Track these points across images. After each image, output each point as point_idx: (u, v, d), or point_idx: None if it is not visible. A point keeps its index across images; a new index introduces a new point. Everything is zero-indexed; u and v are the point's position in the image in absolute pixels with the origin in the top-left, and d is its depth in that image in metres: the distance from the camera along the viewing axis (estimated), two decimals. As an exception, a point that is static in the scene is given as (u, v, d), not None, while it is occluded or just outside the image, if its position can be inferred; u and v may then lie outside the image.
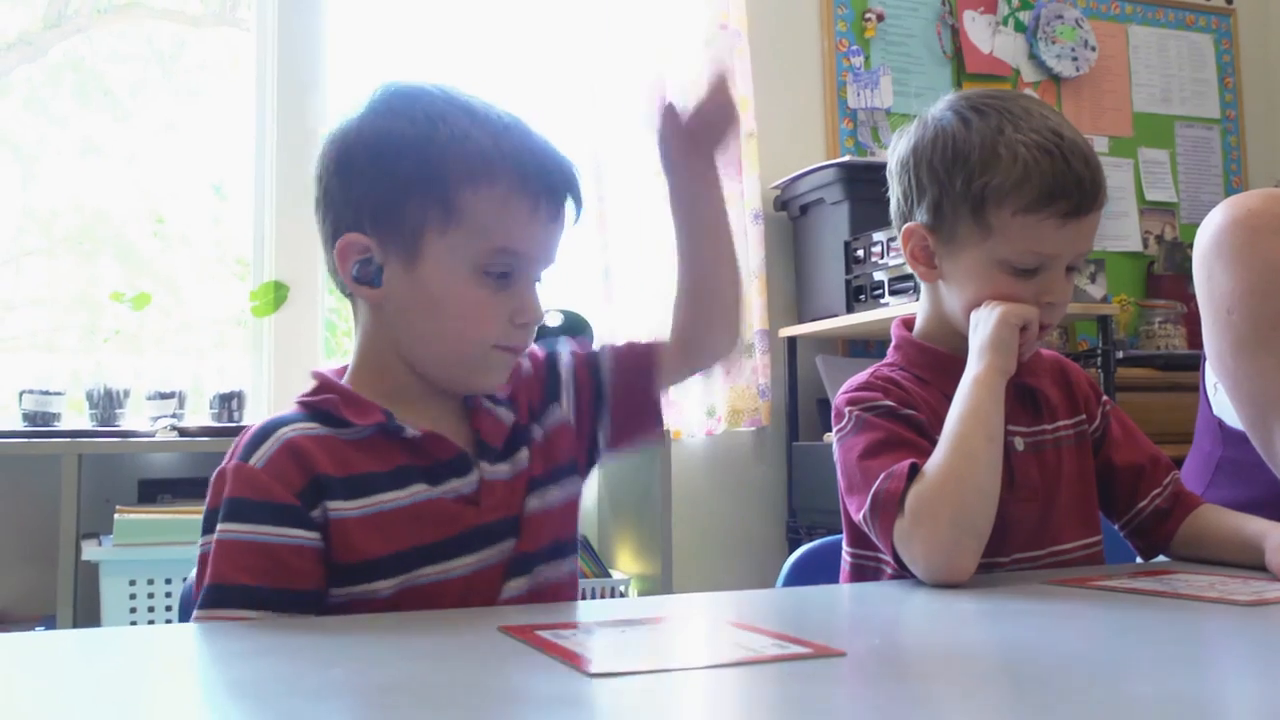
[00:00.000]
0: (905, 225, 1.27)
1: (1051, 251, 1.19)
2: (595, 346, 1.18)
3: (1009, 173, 1.16)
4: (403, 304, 1.02)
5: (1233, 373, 1.38)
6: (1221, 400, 1.45)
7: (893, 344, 1.32)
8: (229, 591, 0.93)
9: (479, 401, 1.07)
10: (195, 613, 0.94)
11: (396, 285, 1.01)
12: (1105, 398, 1.36)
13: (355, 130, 1.02)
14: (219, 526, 0.95)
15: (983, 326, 1.19)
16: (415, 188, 0.99)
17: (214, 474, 0.99)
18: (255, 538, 0.94)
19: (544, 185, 1.01)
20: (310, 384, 1.04)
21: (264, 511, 0.94)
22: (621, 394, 1.15)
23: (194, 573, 0.98)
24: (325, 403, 1.00)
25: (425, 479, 1.00)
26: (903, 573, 1.13)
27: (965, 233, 1.21)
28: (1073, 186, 1.16)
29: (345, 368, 1.07)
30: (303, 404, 1.02)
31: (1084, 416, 1.31)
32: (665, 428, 1.21)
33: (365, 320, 1.05)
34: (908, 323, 1.33)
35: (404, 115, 1.01)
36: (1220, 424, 1.47)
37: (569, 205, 1.05)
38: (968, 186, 1.18)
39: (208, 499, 0.98)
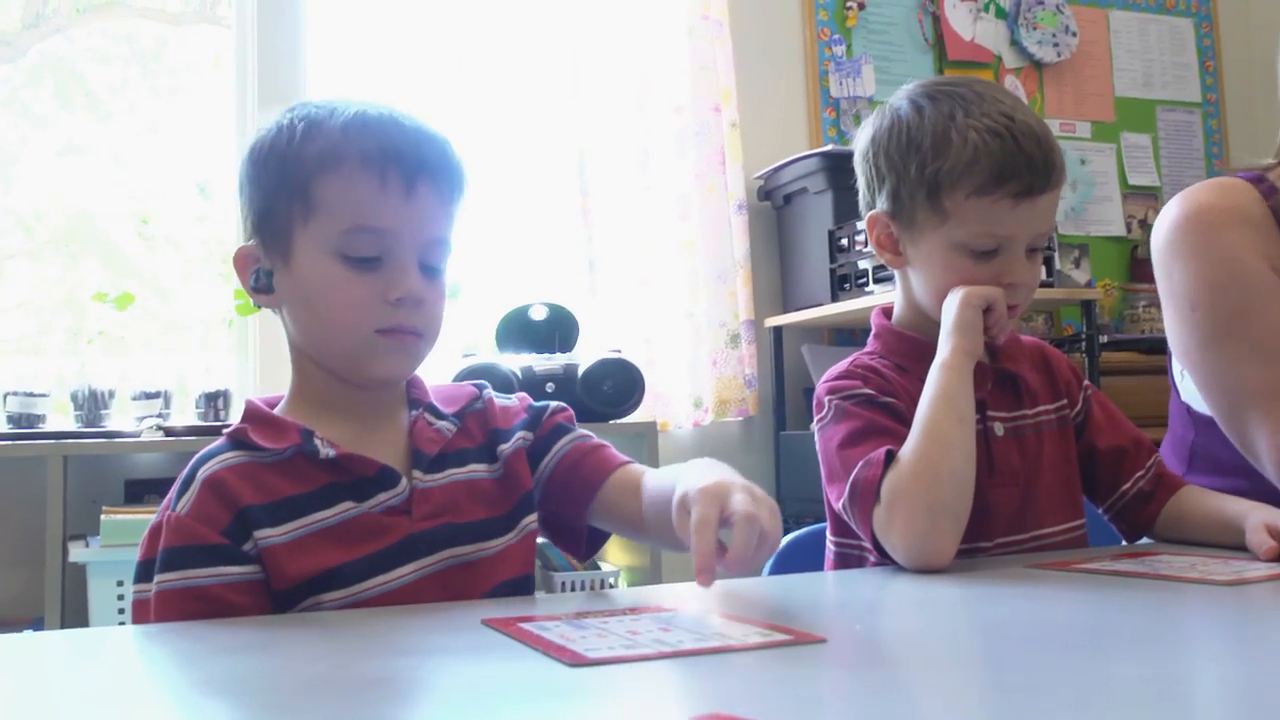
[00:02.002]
0: (869, 213, 1.29)
1: (1007, 233, 1.20)
2: (565, 425, 1.14)
3: (960, 156, 1.18)
4: (288, 302, 1.04)
5: (1202, 367, 1.39)
6: (1188, 386, 1.46)
7: (872, 332, 1.33)
8: None
9: (420, 414, 1.07)
10: None
11: (281, 286, 1.03)
12: (1086, 382, 1.37)
13: (247, 147, 1.06)
14: (156, 578, 0.96)
15: (947, 311, 1.20)
16: (280, 189, 1.02)
17: (150, 524, 0.99)
18: (189, 583, 0.94)
19: (389, 160, 0.99)
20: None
21: (194, 556, 0.95)
22: (559, 492, 1.12)
23: (130, 618, 0.99)
24: (239, 432, 1.02)
25: (351, 496, 1.00)
26: (884, 560, 1.14)
27: (923, 218, 1.22)
28: (1023, 167, 1.17)
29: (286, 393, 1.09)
30: (227, 434, 1.03)
31: (1065, 401, 1.32)
32: (595, 554, 1.18)
33: (286, 332, 1.07)
34: (887, 311, 1.34)
35: (276, 127, 1.04)
36: (1188, 410, 1.48)
37: (438, 180, 1.02)
38: (922, 172, 1.20)
39: (143, 547, 0.99)
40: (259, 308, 1.08)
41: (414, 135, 1.03)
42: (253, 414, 1.04)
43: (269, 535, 0.96)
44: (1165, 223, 1.43)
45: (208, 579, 0.94)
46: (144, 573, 0.97)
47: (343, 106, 1.03)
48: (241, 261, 1.05)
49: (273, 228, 1.02)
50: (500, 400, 1.15)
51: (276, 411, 1.05)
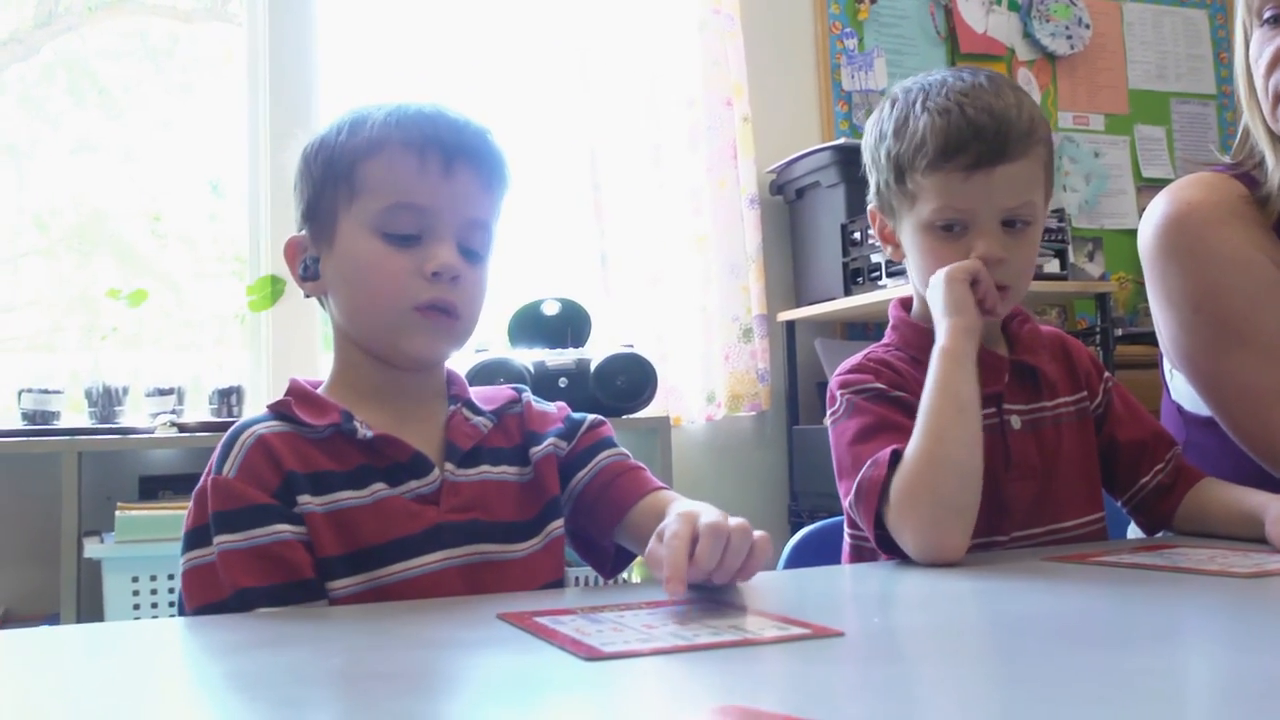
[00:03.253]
0: (868, 209, 1.33)
1: (965, 205, 1.20)
2: (603, 441, 1.15)
3: (913, 137, 1.21)
4: (332, 285, 1.07)
5: (1209, 373, 1.35)
6: (1178, 386, 1.43)
7: (890, 324, 1.32)
8: (252, 595, 0.95)
9: (458, 408, 1.09)
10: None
11: (326, 270, 1.07)
12: (1108, 374, 1.35)
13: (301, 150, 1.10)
14: (215, 539, 0.96)
15: (934, 294, 1.20)
16: (326, 178, 1.05)
17: (195, 491, 1.00)
18: (251, 543, 0.96)
19: (429, 140, 1.03)
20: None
21: (250, 516, 0.97)
22: (589, 509, 1.13)
23: (180, 584, 1.00)
24: (283, 404, 1.04)
25: (384, 479, 1.02)
26: (893, 558, 1.14)
27: (898, 204, 1.26)
28: (969, 138, 1.17)
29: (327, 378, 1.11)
30: (270, 406, 1.05)
31: (1085, 393, 1.31)
32: (620, 573, 1.19)
33: (331, 319, 1.10)
34: (905, 303, 1.34)
35: (330, 124, 1.08)
36: (1179, 409, 1.45)
37: (476, 163, 1.06)
38: (888, 159, 1.24)
39: (188, 519, 1.00)
40: (308, 295, 1.10)
41: (455, 122, 1.06)
42: (296, 390, 1.06)
43: (309, 503, 0.98)
44: (1153, 222, 1.39)
45: (266, 538, 0.96)
46: (196, 540, 0.98)
47: (390, 103, 1.07)
48: (291, 251, 1.09)
49: (319, 214, 1.06)
50: (538, 405, 1.16)
51: (318, 391, 1.07)
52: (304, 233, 1.09)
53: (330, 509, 0.99)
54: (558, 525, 1.10)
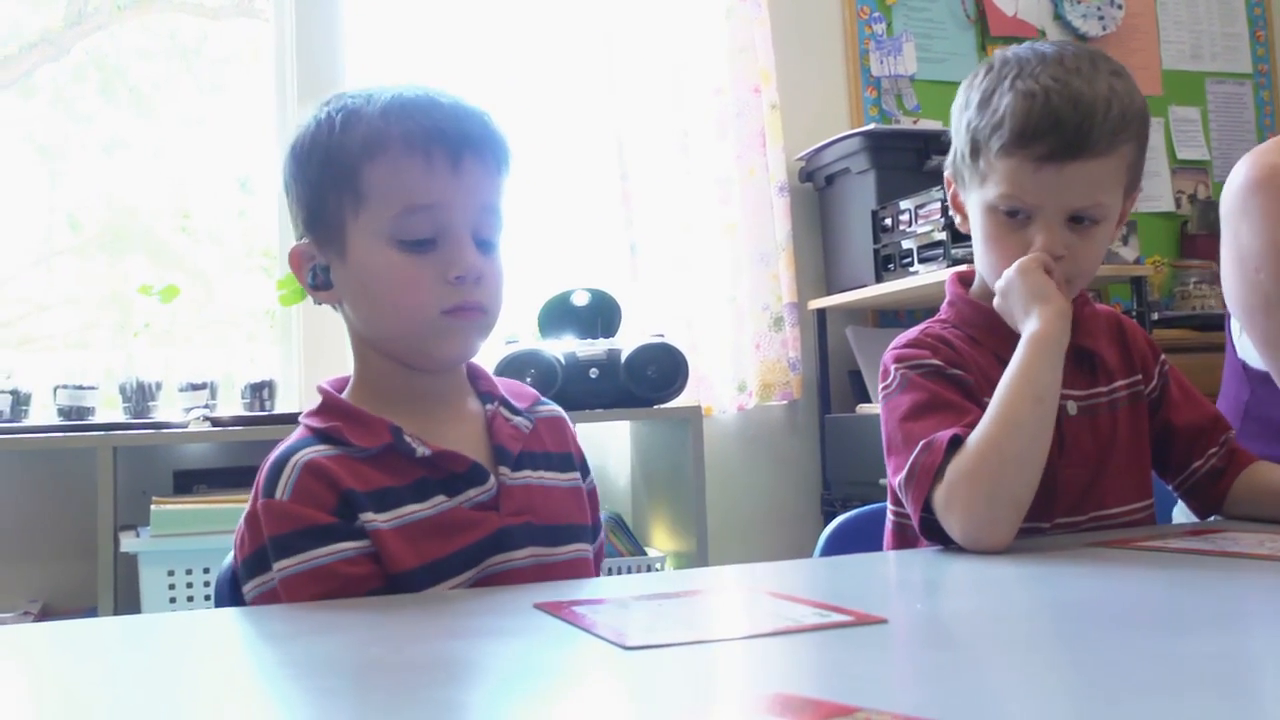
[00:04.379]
0: (944, 174, 1.31)
1: (1030, 198, 1.16)
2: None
3: (994, 115, 1.17)
4: (349, 296, 1.04)
5: (1266, 331, 1.39)
6: (1245, 343, 1.46)
7: (946, 300, 1.30)
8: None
9: (497, 408, 1.08)
10: None
11: (339, 280, 1.03)
12: (1163, 356, 1.32)
13: (288, 145, 1.06)
14: (276, 565, 0.95)
15: (1011, 289, 1.16)
16: (327, 183, 1.01)
17: (242, 519, 0.99)
18: (313, 564, 0.94)
19: (433, 138, 0.99)
20: (316, 400, 1.05)
21: (309, 538, 0.95)
22: None
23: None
24: (332, 429, 1.01)
25: (443, 490, 1.01)
26: (934, 543, 1.12)
27: (969, 178, 1.23)
28: (1048, 128, 1.13)
29: (349, 377, 1.08)
30: (310, 429, 1.02)
31: (1140, 376, 1.27)
32: None
33: (348, 324, 1.07)
34: (964, 278, 1.31)
35: (315, 121, 1.03)
36: (1244, 366, 1.48)
37: (483, 153, 1.02)
38: (966, 130, 1.21)
39: (244, 546, 0.98)
40: (320, 304, 1.08)
41: (453, 111, 1.02)
42: (336, 407, 1.03)
43: (374, 520, 0.96)
44: (1235, 183, 1.44)
45: (328, 557, 0.94)
46: (255, 566, 0.97)
47: (379, 92, 1.02)
48: (297, 261, 1.05)
49: (324, 223, 1.02)
50: (571, 429, 1.16)
51: (344, 396, 1.05)
52: (307, 241, 1.05)
53: (399, 524, 0.97)
54: (583, 548, 1.10)
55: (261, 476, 0.99)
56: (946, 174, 1.29)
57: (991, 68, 1.21)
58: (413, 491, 0.99)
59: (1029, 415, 1.09)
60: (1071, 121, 1.13)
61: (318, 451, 0.98)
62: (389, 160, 0.99)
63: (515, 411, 1.09)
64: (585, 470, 1.16)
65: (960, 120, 1.22)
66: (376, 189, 0.99)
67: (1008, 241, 1.18)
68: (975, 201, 1.21)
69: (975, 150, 1.20)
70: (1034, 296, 1.14)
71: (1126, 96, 1.16)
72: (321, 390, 1.06)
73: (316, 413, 1.03)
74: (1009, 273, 1.17)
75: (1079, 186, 1.15)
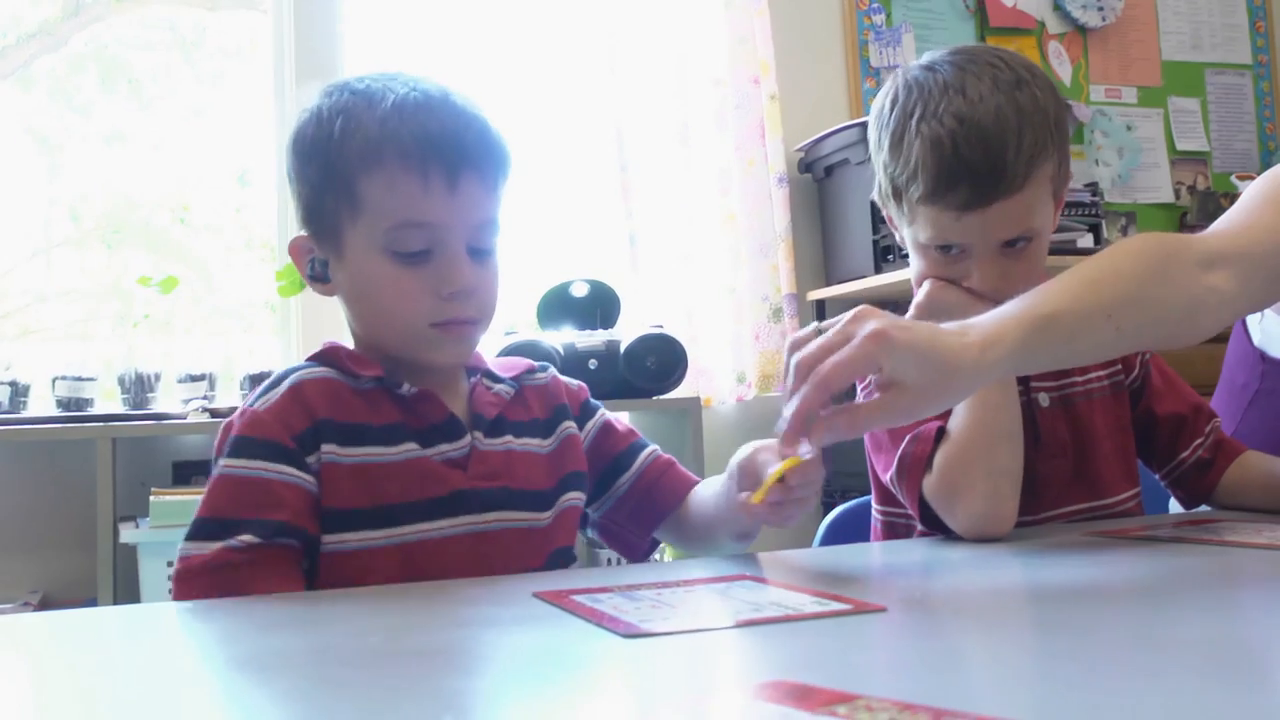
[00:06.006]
0: (871, 197, 1.28)
1: (959, 240, 1.15)
2: (635, 438, 1.20)
3: (907, 164, 1.14)
4: (345, 294, 1.06)
5: None
6: (1268, 329, 1.43)
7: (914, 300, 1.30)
8: (217, 525, 0.96)
9: (479, 379, 1.10)
10: (181, 545, 0.96)
11: (336, 277, 1.06)
12: None
13: (290, 136, 1.07)
14: (222, 461, 0.98)
15: (939, 309, 1.13)
16: (325, 186, 1.03)
17: (222, 426, 1.02)
18: (251, 473, 0.97)
19: (430, 155, 0.99)
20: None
21: (262, 449, 0.98)
22: (631, 508, 1.18)
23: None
24: (331, 352, 1.05)
25: (416, 439, 1.02)
26: (932, 533, 1.12)
27: (895, 214, 1.22)
28: (963, 179, 1.10)
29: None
30: (317, 355, 1.06)
31: (1119, 367, 1.28)
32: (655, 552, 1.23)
33: (346, 318, 1.10)
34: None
35: (316, 116, 1.04)
36: (1261, 355, 1.45)
37: (481, 168, 1.02)
38: (884, 173, 1.19)
39: (215, 446, 1.01)
40: (320, 294, 1.09)
41: (452, 123, 1.01)
42: (337, 348, 1.06)
43: (335, 452, 0.99)
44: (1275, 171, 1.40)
45: (270, 473, 0.97)
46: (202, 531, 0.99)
47: (380, 91, 1.02)
48: (297, 252, 1.08)
49: (322, 223, 1.04)
50: (565, 381, 1.18)
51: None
52: (306, 233, 1.07)
53: (356, 462, 1.00)
54: (571, 497, 1.11)
55: (258, 387, 1.03)
56: (873, 197, 1.25)
57: (896, 100, 1.17)
58: (384, 433, 1.01)
59: (999, 395, 1.11)
60: (984, 167, 1.10)
61: (314, 373, 1.02)
62: (385, 175, 1.00)
63: (497, 380, 1.11)
64: (588, 413, 1.17)
65: (876, 159, 1.20)
66: (372, 201, 1.00)
67: (939, 270, 1.18)
68: (909, 235, 1.20)
69: (896, 193, 1.18)
70: (962, 310, 1.08)
71: (1036, 114, 1.12)
72: (326, 342, 1.09)
73: (318, 351, 1.07)
74: (924, 297, 1.16)
75: (1005, 222, 1.14)
